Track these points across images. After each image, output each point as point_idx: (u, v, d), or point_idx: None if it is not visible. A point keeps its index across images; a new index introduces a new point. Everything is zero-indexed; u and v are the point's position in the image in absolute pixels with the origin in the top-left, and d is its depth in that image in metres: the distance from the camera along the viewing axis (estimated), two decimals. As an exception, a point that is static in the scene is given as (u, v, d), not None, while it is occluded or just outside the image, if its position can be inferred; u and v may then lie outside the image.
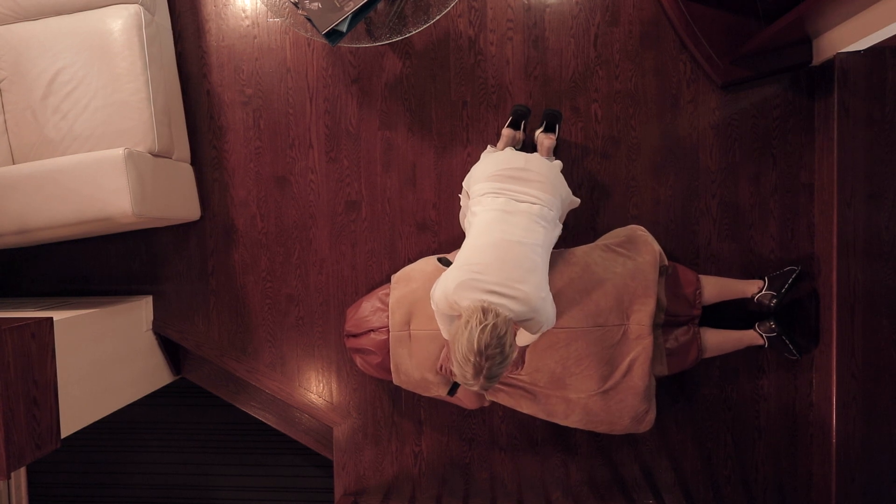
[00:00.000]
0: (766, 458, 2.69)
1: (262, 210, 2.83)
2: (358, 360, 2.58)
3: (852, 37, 2.28)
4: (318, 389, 2.84)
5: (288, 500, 3.77)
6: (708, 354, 2.45)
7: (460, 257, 1.95)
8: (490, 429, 2.77)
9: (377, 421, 2.82)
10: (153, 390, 2.84)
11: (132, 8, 2.45)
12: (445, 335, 2.09)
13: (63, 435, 2.19)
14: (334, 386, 2.83)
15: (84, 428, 2.37)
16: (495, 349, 1.67)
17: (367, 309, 2.52)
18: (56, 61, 2.46)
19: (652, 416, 2.36)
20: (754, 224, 2.65)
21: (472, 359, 1.67)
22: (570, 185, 2.61)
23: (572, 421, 2.42)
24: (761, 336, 2.46)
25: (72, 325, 2.30)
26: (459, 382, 1.75)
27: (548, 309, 1.90)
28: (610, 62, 2.67)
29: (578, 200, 2.32)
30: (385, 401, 2.81)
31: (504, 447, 2.77)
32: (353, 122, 2.78)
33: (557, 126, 2.56)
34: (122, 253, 2.89)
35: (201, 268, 2.86)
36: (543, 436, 2.75)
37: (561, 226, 2.14)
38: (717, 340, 2.45)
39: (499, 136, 2.59)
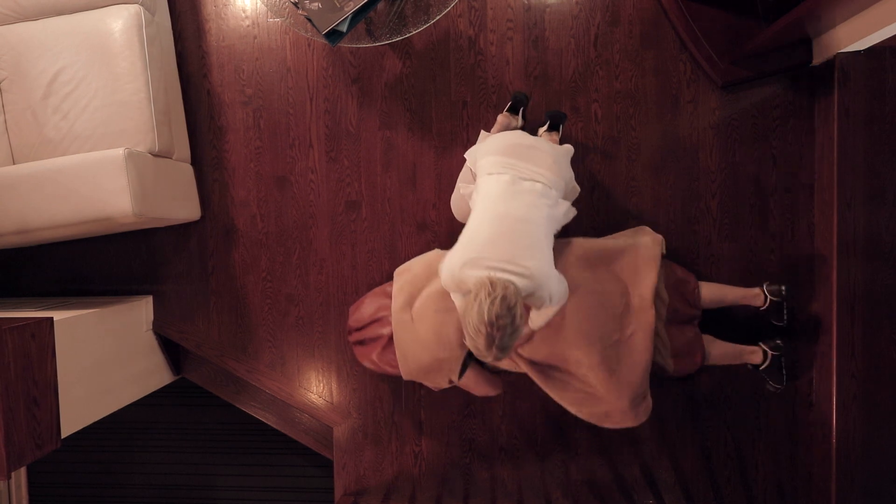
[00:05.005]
0: (766, 458, 2.69)
1: (262, 210, 2.82)
2: (362, 355, 2.57)
3: (852, 37, 2.28)
4: (318, 389, 2.84)
5: (288, 500, 3.77)
6: (711, 362, 2.48)
7: (465, 234, 1.98)
8: (490, 429, 2.77)
9: (377, 421, 2.82)
10: (153, 390, 2.84)
11: (132, 8, 2.46)
12: (459, 308, 2.07)
13: (63, 435, 2.19)
14: (334, 386, 2.83)
15: (84, 428, 2.36)
16: (506, 319, 1.71)
17: (370, 303, 2.54)
18: (56, 61, 2.46)
19: (649, 403, 2.35)
20: (754, 224, 2.65)
21: (483, 330, 1.71)
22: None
23: (570, 396, 2.34)
24: (764, 352, 2.48)
25: (72, 325, 2.30)
26: (473, 353, 1.81)
27: (553, 284, 1.92)
28: (610, 62, 2.67)
29: (579, 188, 2.35)
30: (385, 401, 2.81)
31: (504, 447, 2.77)
32: (353, 122, 2.78)
33: (561, 126, 2.56)
34: (122, 253, 2.89)
35: (201, 268, 2.86)
36: (543, 436, 2.75)
37: (567, 204, 2.16)
38: (721, 351, 2.49)
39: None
